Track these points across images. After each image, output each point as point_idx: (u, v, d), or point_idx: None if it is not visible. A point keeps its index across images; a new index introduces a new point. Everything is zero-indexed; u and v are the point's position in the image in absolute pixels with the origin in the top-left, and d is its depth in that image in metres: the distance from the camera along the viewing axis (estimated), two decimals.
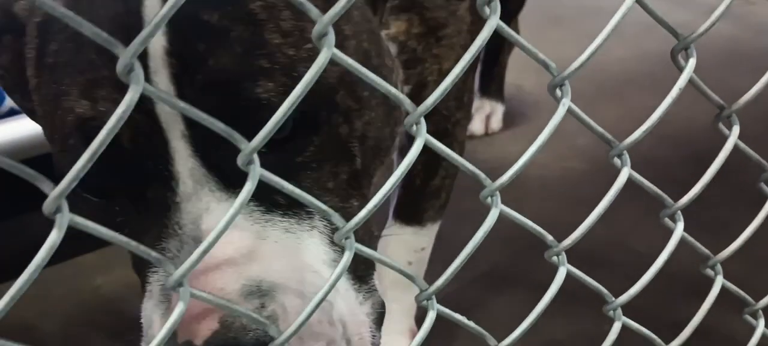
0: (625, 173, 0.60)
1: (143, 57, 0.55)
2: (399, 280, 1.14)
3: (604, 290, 0.66)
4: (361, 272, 0.67)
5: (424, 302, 0.58)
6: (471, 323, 0.61)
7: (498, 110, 2.01)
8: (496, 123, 1.99)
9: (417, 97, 1.00)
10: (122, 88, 0.52)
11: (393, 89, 0.50)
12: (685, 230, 0.69)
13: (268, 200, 0.59)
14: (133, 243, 0.45)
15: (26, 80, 0.68)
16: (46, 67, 0.62)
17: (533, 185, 1.68)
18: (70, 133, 0.58)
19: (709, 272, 0.77)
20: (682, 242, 0.69)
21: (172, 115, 0.56)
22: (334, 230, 0.54)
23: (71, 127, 0.58)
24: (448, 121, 1.04)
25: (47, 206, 0.41)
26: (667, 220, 0.67)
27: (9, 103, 1.33)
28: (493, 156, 1.83)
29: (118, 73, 0.41)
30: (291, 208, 0.59)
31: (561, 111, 0.55)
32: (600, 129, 0.58)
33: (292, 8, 0.57)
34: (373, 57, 0.67)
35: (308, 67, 0.52)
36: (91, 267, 1.44)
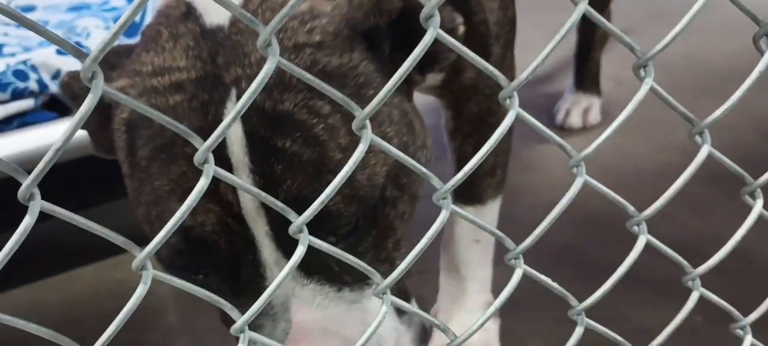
0: (705, 150, 0.64)
1: (229, 170, 0.65)
2: (471, 259, 1.21)
3: (684, 262, 0.70)
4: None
5: (512, 261, 0.64)
6: (555, 285, 0.66)
7: (595, 104, 2.04)
8: (594, 117, 2.02)
9: (453, 82, 1.05)
10: (216, 199, 0.66)
11: (488, 65, 0.56)
12: None
13: (339, 280, 0.71)
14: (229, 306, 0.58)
15: (100, 138, 0.79)
16: (140, 168, 0.71)
17: (629, 177, 1.69)
18: (173, 235, 0.68)
19: None
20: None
21: (257, 218, 0.66)
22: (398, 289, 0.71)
23: (173, 231, 0.68)
24: (490, 101, 1.08)
25: (135, 265, 0.51)
26: (747, 197, 0.70)
27: (11, 109, 1.42)
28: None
29: (195, 161, 0.52)
30: (355, 283, 0.72)
31: (643, 90, 0.59)
32: (682, 108, 0.62)
33: (347, 126, 0.67)
34: (410, 146, 0.76)
35: (366, 174, 0.68)
36: (114, 263, 1.54)
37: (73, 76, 0.80)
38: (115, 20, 1.70)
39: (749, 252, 1.27)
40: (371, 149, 0.65)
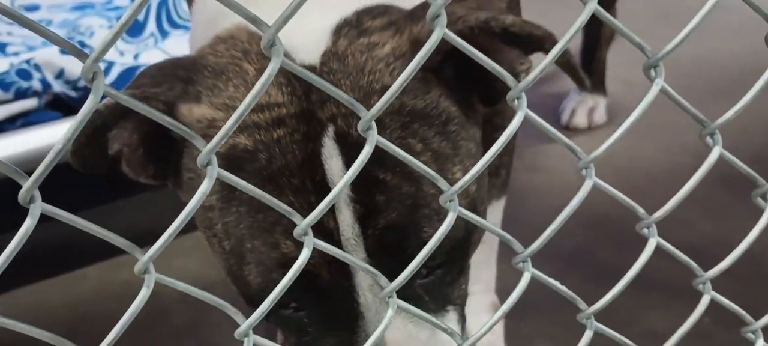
0: (717, 152, 0.63)
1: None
2: (478, 260, 1.20)
3: (694, 265, 0.69)
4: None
5: (520, 264, 0.64)
6: (564, 288, 0.65)
7: (600, 104, 2.03)
8: (600, 117, 2.01)
9: None
10: (321, 232, 0.67)
11: (495, 65, 0.55)
12: None
13: (425, 307, 0.73)
14: None
15: (147, 162, 0.78)
16: (239, 200, 0.71)
17: (640, 179, 1.69)
18: (273, 268, 0.70)
19: None
20: None
21: (356, 247, 0.69)
22: (460, 312, 0.78)
23: (274, 263, 0.70)
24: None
25: (138, 268, 0.51)
26: (758, 200, 0.69)
27: (14, 108, 1.40)
28: (596, 149, 1.85)
29: (199, 163, 0.52)
30: (438, 310, 0.76)
31: (654, 90, 0.59)
32: (692, 109, 0.61)
33: (436, 163, 0.71)
34: (483, 178, 0.81)
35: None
36: (119, 264, 1.52)
37: (110, 107, 0.74)
38: (119, 20, 1.69)
39: (762, 256, 1.26)
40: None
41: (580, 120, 2.00)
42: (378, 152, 0.66)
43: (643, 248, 0.68)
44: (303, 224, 0.54)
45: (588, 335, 0.68)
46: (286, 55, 0.70)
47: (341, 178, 0.65)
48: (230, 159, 0.72)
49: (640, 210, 0.65)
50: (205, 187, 0.52)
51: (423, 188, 0.70)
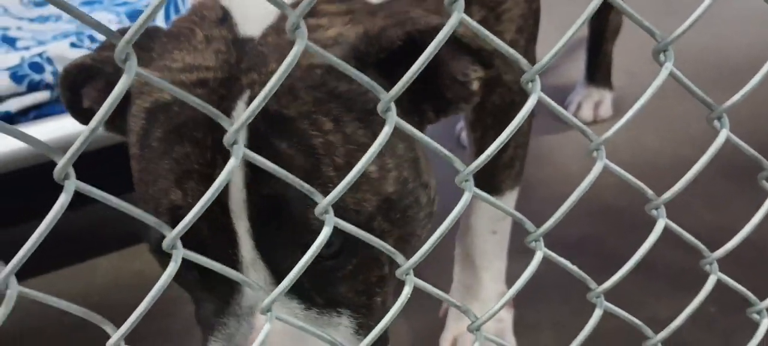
0: (724, 135, 0.65)
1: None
2: (487, 249, 1.22)
3: (701, 246, 0.71)
4: None
5: (533, 244, 0.65)
6: (574, 268, 0.67)
7: (606, 98, 2.04)
8: (605, 110, 2.02)
9: None
10: (207, 181, 0.66)
11: (509, 49, 0.57)
12: None
13: (308, 299, 0.72)
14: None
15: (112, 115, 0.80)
16: (150, 149, 0.73)
17: (645, 169, 1.70)
18: (163, 214, 0.70)
19: None
20: None
21: (241, 213, 0.68)
22: (359, 324, 0.74)
23: (164, 210, 0.70)
24: (514, 93, 1.09)
25: (166, 243, 0.53)
26: (764, 182, 0.71)
27: (27, 101, 1.42)
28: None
29: (225, 142, 0.53)
30: (325, 307, 0.73)
31: (663, 74, 0.60)
32: (700, 93, 0.63)
33: (345, 146, 0.69)
34: (409, 182, 0.76)
35: (355, 198, 0.69)
36: (132, 253, 1.55)
37: (77, 67, 0.82)
38: (127, 14, 1.72)
39: (762, 242, 1.28)
40: (364, 175, 0.67)
41: (586, 114, 2.02)
42: (279, 121, 0.67)
43: (648, 235, 0.69)
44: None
45: (597, 313, 0.70)
46: (233, 24, 0.74)
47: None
48: (151, 112, 0.75)
49: (649, 192, 0.67)
50: (231, 164, 0.54)
51: (321, 167, 0.68)
